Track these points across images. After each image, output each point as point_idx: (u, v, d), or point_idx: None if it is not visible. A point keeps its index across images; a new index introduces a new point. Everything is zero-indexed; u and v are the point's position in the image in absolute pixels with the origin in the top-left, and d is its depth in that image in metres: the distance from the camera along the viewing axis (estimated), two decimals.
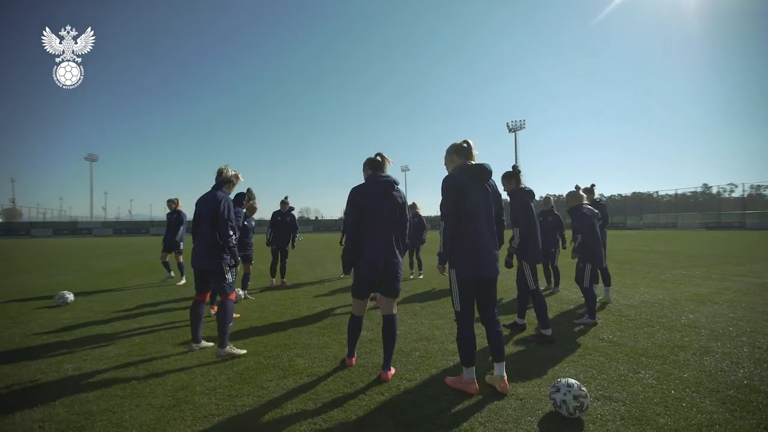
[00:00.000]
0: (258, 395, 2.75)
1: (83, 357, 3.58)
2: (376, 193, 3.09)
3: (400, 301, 5.99)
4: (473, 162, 2.92)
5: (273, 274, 7.60)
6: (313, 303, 6.02)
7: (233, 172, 3.92)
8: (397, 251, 3.10)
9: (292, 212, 7.68)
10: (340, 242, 6.96)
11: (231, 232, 3.69)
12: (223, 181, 3.86)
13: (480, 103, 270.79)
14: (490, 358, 2.92)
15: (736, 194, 60.39)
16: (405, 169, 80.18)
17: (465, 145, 2.96)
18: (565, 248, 6.88)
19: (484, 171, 2.87)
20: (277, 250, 7.55)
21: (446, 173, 2.96)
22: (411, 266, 8.94)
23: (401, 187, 3.26)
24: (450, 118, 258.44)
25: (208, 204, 3.69)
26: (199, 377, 3.07)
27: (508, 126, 63.40)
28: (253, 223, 6.48)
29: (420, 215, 8.45)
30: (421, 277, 8.58)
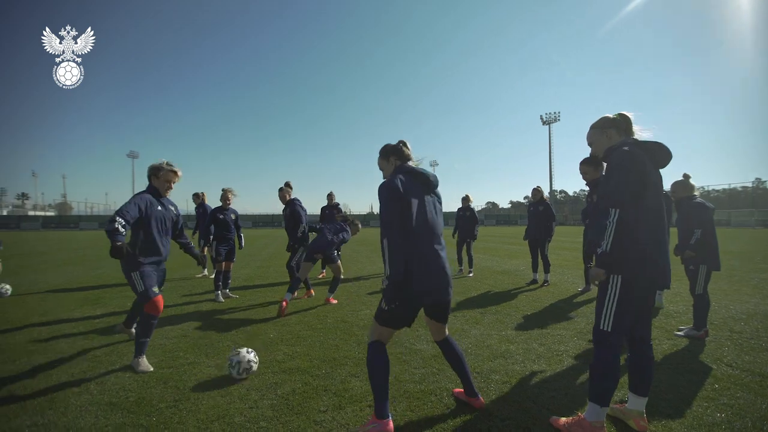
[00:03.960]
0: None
1: (121, 354, 3.14)
2: (423, 188, 2.28)
3: (456, 307, 5.30)
4: (643, 140, 2.15)
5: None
6: (357, 305, 5.43)
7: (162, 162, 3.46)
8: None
9: (339, 206, 8.23)
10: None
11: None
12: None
13: (510, 97, 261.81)
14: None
15: None
16: (434, 164, 78.58)
17: (618, 117, 2.20)
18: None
19: (666, 154, 2.13)
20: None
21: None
22: (460, 262, 8.31)
23: None
24: (479, 113, 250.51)
25: None
26: (237, 402, 2.53)
27: (542, 118, 60.88)
28: (232, 216, 6.05)
29: (472, 208, 7.90)
30: (471, 275, 7.88)
